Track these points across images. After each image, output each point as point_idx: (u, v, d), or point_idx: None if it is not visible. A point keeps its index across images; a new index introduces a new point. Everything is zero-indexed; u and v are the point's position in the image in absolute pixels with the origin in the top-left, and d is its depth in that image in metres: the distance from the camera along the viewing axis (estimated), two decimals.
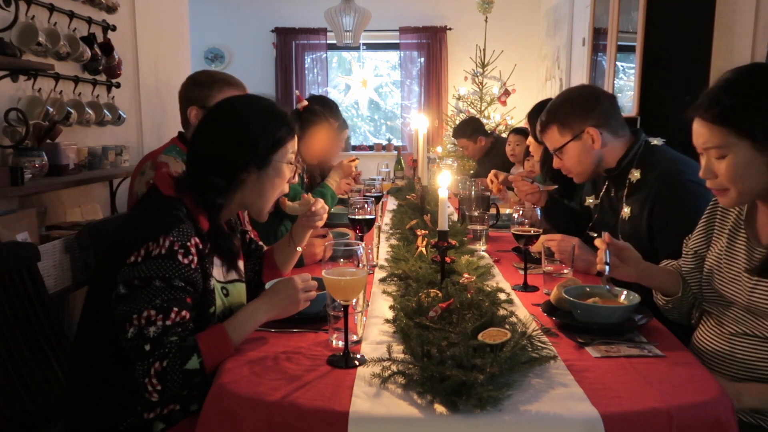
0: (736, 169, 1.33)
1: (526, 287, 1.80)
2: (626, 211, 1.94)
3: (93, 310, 1.43)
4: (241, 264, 1.62)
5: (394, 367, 1.18)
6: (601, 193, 2.13)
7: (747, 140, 1.30)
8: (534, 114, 2.70)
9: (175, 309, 1.30)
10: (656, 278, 1.61)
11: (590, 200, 2.21)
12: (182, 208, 1.40)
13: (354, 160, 3.20)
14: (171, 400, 1.39)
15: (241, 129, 1.47)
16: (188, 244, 1.35)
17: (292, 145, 1.54)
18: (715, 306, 1.52)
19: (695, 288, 1.59)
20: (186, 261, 1.34)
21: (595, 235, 2.07)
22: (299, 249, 1.85)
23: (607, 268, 1.51)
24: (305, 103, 2.92)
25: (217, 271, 1.50)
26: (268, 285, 1.62)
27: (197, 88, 2.15)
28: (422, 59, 7.16)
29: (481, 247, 2.26)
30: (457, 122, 5.80)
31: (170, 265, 1.31)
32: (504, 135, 5.18)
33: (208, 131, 1.49)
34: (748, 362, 1.41)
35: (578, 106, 2.00)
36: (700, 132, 1.37)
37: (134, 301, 1.29)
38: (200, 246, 1.39)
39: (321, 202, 1.79)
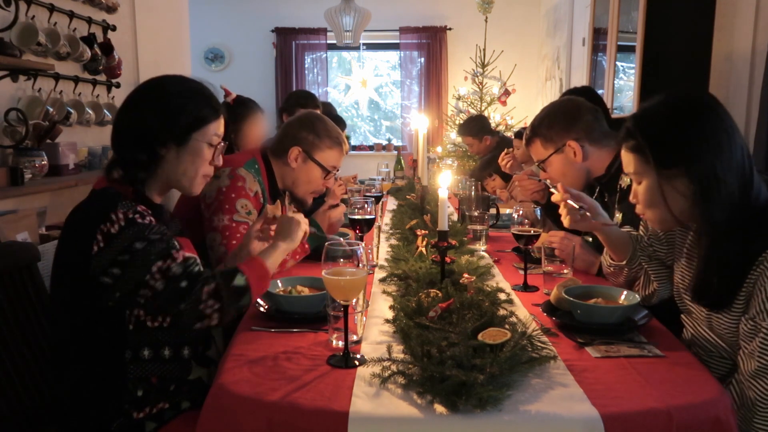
0: (646, 195, 1.42)
1: (526, 287, 1.80)
2: (618, 216, 1.94)
3: (61, 311, 1.41)
4: None
5: (394, 367, 1.18)
6: (594, 198, 2.13)
7: (653, 169, 1.38)
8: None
9: (173, 251, 1.35)
10: (614, 237, 1.69)
11: None
12: (116, 193, 1.42)
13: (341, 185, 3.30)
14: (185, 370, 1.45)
15: (162, 103, 1.47)
16: (139, 208, 1.38)
17: (216, 127, 1.53)
18: (689, 320, 1.52)
19: (660, 283, 1.64)
20: (147, 221, 1.37)
21: (591, 239, 2.07)
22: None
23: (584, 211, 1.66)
24: (234, 95, 2.98)
25: None
26: None
27: (313, 136, 2.16)
28: (422, 59, 7.16)
29: (481, 247, 2.26)
30: (458, 122, 5.80)
31: (137, 228, 1.34)
32: (505, 134, 5.17)
33: (131, 106, 1.50)
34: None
35: (559, 120, 2.06)
36: (624, 158, 1.47)
37: (136, 268, 1.31)
38: (149, 212, 1.41)
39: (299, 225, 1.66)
